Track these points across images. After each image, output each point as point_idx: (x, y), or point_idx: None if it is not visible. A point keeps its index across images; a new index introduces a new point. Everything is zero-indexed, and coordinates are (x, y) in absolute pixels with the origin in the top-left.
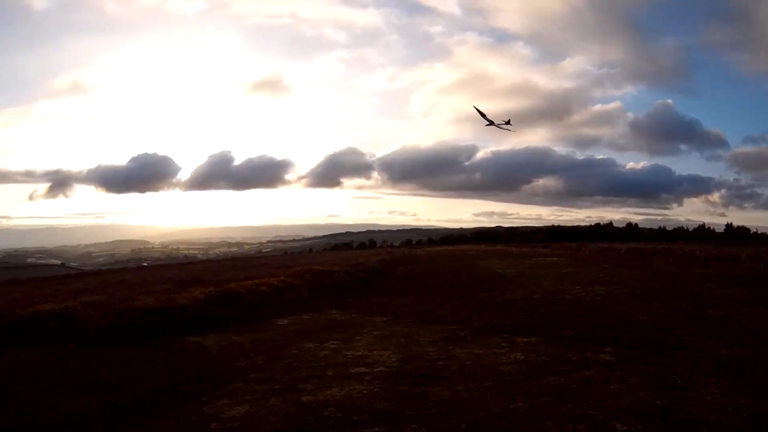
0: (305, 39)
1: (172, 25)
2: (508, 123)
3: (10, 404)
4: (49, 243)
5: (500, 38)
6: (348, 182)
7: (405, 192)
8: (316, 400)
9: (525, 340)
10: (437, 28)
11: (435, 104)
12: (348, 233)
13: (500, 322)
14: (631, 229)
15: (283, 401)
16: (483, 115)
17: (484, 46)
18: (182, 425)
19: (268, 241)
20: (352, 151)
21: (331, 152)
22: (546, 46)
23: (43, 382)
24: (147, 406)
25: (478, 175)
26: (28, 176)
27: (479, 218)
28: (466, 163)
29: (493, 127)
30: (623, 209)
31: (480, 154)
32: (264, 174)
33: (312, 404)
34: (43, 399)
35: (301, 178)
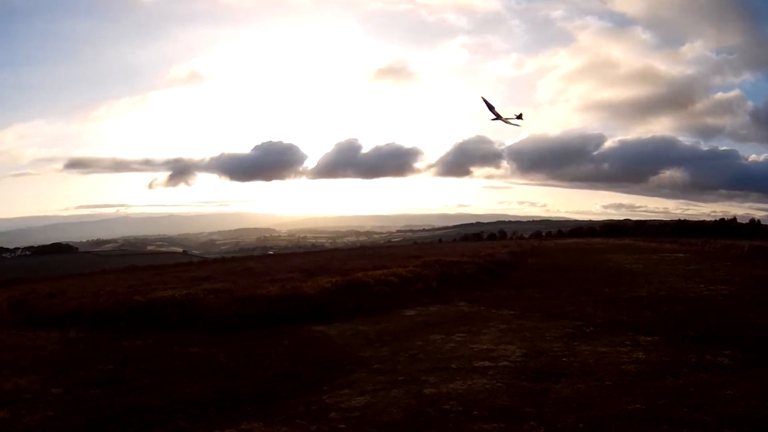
0: (426, 25)
1: (288, 13)
2: (519, 117)
3: (122, 388)
4: (171, 231)
5: (620, 23)
6: (477, 171)
7: (535, 182)
8: (438, 392)
9: (648, 339)
10: (557, 13)
11: (561, 91)
12: (478, 224)
13: (625, 320)
14: (754, 225)
15: (404, 393)
16: (491, 108)
17: (605, 30)
18: (301, 414)
19: (398, 231)
20: (481, 140)
21: (459, 140)
22: (665, 31)
23: (159, 368)
24: (266, 394)
25: (606, 166)
26: (147, 165)
27: (608, 210)
28: (594, 153)
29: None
30: (747, 204)
31: (607, 144)
32: (392, 162)
33: (434, 397)
34: (158, 384)
35: (430, 166)
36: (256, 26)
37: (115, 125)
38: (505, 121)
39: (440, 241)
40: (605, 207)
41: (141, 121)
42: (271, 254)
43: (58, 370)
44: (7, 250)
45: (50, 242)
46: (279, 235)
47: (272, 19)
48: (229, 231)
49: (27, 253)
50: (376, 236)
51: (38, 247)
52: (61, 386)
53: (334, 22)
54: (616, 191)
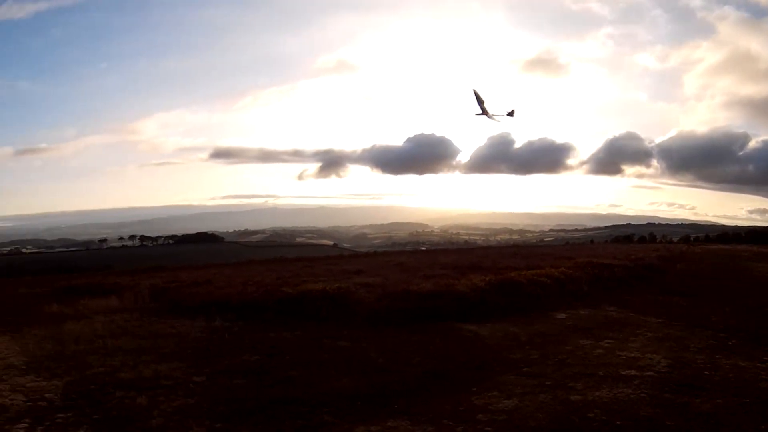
0: (571, 14)
1: (435, 2)
2: (510, 114)
3: (268, 379)
4: (321, 223)
5: (756, 13)
6: (629, 170)
7: (684, 182)
8: (584, 400)
9: None
10: (697, 2)
11: (706, 86)
12: (629, 225)
13: (765, 334)
14: None
15: (551, 398)
16: (480, 102)
17: (743, 21)
18: (448, 414)
19: (550, 230)
20: (631, 137)
21: (610, 137)
22: None
23: (307, 361)
24: (415, 391)
25: (751, 167)
26: (296, 156)
27: (753, 215)
28: (740, 154)
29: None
30: None
31: (752, 144)
32: (545, 158)
33: (579, 404)
34: (305, 377)
35: (582, 163)
36: (402, 15)
37: (262, 115)
38: (491, 117)
39: (592, 242)
40: (750, 212)
41: (289, 110)
42: (423, 249)
43: (201, 358)
44: (149, 238)
45: (194, 231)
46: (432, 231)
47: (418, 8)
48: (382, 225)
49: (170, 241)
50: (528, 235)
51: (182, 235)
52: (204, 374)
53: (480, 12)
54: (761, 195)
